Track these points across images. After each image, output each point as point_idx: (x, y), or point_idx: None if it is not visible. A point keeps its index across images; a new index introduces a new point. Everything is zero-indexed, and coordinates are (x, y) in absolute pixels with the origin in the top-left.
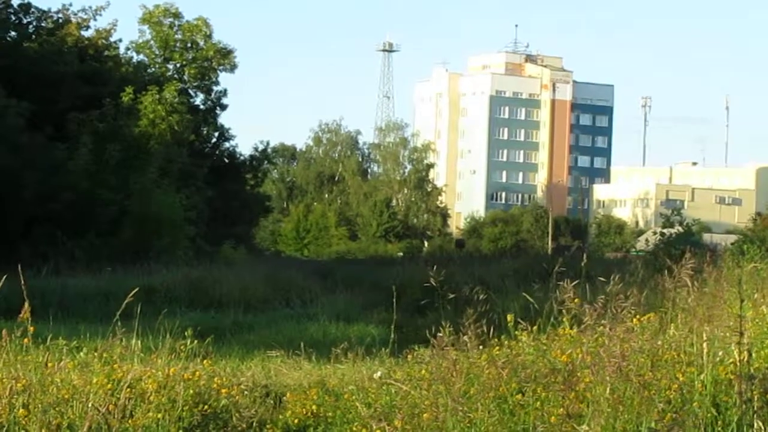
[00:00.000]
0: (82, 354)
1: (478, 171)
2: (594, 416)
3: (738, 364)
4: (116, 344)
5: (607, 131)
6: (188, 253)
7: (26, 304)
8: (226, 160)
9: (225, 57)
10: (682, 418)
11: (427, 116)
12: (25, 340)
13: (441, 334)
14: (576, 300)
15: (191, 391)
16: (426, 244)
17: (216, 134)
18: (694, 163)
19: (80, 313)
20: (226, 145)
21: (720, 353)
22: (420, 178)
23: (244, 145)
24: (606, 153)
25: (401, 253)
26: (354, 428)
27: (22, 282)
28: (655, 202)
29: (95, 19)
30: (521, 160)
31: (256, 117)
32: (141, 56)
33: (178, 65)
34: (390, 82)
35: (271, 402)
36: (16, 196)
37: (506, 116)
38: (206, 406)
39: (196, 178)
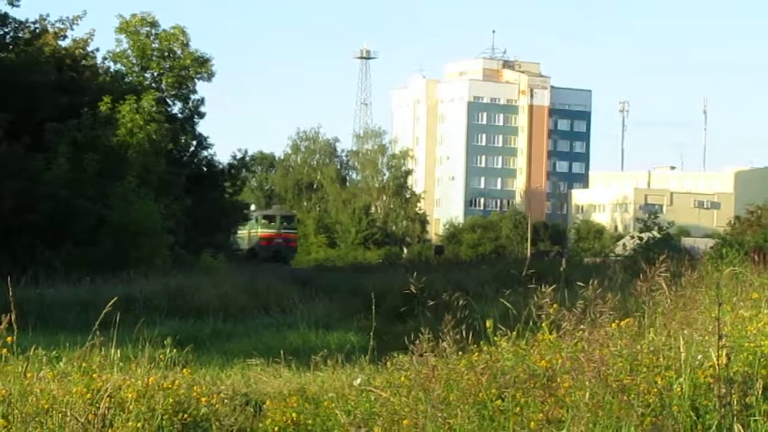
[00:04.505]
0: (61, 364)
1: (457, 177)
2: (574, 421)
3: (717, 367)
4: (95, 354)
5: (585, 136)
6: (167, 261)
7: (10, 315)
8: (205, 169)
9: (202, 65)
10: (661, 423)
11: (405, 123)
12: (4, 350)
13: (420, 341)
14: (555, 305)
15: (171, 400)
16: (405, 250)
17: (194, 143)
18: (673, 168)
19: (59, 323)
20: (204, 153)
21: (699, 357)
22: (399, 185)
23: (223, 153)
24: (584, 158)
25: (380, 260)
26: None
27: (10, 293)
28: (634, 206)
29: (72, 29)
30: (499, 166)
31: (234, 125)
32: (118, 65)
33: (155, 74)
34: (368, 90)
35: (251, 410)
36: None
37: (484, 122)
38: (186, 415)
39: (175, 187)
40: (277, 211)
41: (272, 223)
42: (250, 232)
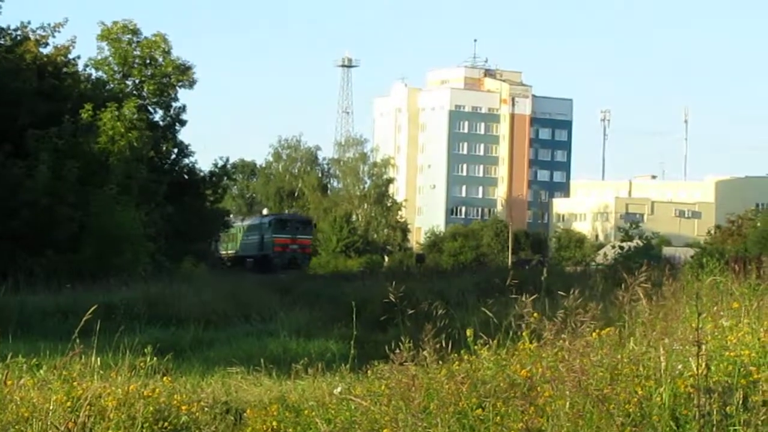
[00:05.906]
0: (41, 372)
1: (438, 186)
2: (554, 431)
3: (697, 377)
4: (76, 361)
5: (567, 145)
6: (148, 269)
7: None
8: (186, 176)
9: (184, 73)
10: None
11: (386, 131)
12: None
13: (400, 350)
14: (535, 314)
15: (151, 408)
16: (386, 259)
17: (175, 150)
18: (654, 177)
19: (40, 330)
20: (186, 161)
21: (679, 367)
22: (380, 193)
23: (204, 161)
24: (565, 167)
25: (361, 269)
26: None
27: None
28: (615, 215)
29: (54, 36)
30: (481, 175)
31: (215, 133)
32: (100, 73)
33: (136, 81)
34: (349, 98)
35: (232, 419)
36: None
37: (465, 131)
38: (166, 423)
39: (156, 195)
40: (292, 216)
41: (287, 228)
42: (263, 238)
